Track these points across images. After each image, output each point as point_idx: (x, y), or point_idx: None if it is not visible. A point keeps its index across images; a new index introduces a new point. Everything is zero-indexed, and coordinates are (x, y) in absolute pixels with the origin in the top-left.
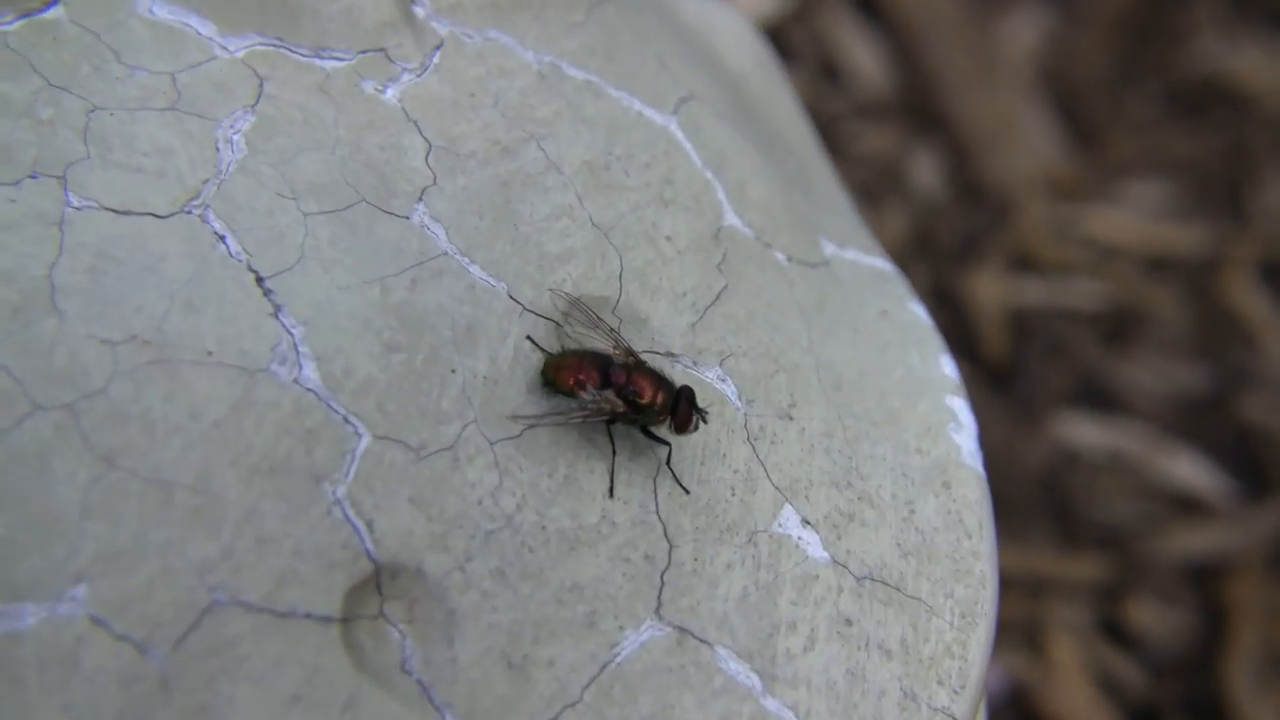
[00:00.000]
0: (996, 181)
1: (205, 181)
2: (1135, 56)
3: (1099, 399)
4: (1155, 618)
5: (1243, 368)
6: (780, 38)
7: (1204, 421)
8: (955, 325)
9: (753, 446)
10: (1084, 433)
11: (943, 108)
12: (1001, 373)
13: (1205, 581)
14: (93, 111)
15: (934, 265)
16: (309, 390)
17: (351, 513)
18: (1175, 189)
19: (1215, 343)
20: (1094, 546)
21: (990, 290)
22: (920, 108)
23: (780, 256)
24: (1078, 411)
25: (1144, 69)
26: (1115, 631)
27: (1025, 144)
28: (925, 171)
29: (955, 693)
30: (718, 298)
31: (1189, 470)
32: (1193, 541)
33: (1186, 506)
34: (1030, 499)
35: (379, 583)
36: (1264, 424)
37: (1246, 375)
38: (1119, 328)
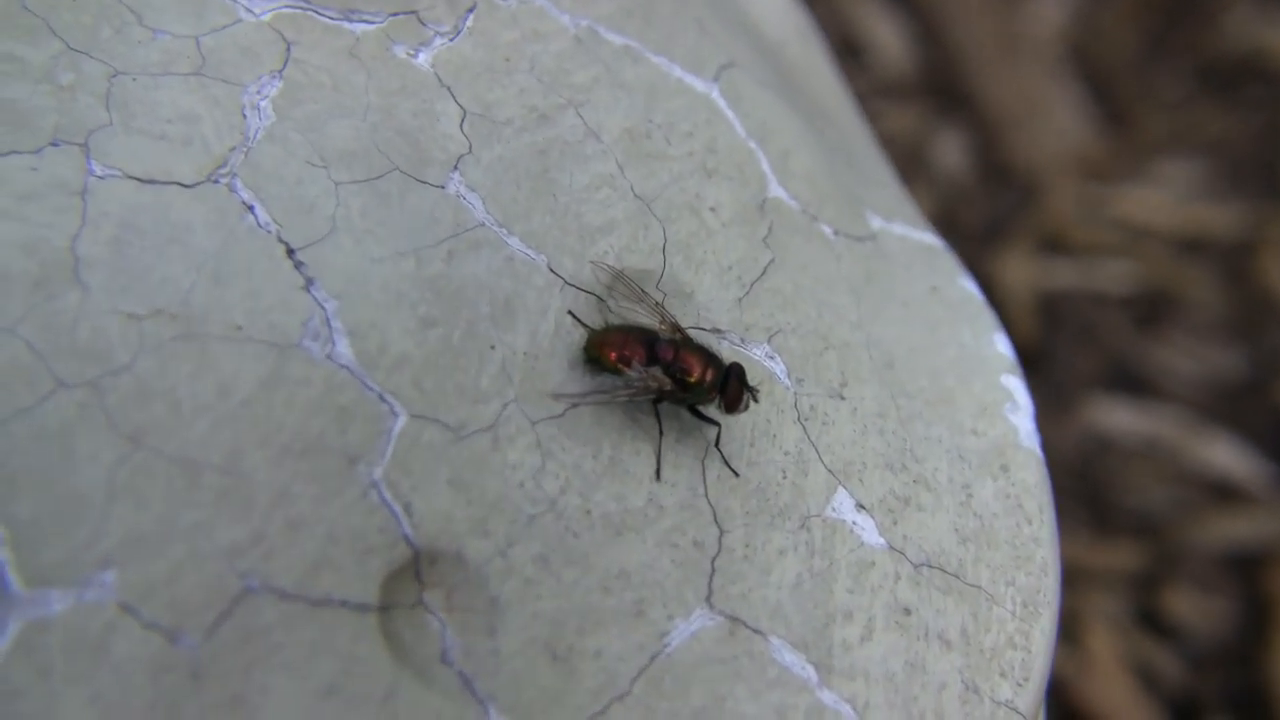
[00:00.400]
0: (1024, 162)
1: (232, 149)
2: (1165, 32)
3: (1132, 384)
4: (1193, 607)
5: (1279, 350)
6: None
7: (1240, 406)
8: None
9: (804, 427)
10: (1117, 418)
11: (968, 86)
12: (1031, 357)
13: (1244, 570)
14: (115, 76)
15: (961, 247)
16: (342, 367)
17: (388, 495)
18: (1208, 168)
19: (1251, 325)
20: (1129, 535)
21: (1019, 273)
22: (945, 87)
23: (827, 230)
24: (1110, 396)
25: (1174, 45)
26: (1152, 622)
27: (1053, 123)
28: (951, 152)
29: (1019, 685)
30: (764, 272)
31: (1226, 456)
32: (1231, 529)
33: (1224, 493)
34: (1063, 486)
35: (417, 569)
36: None
37: None
38: (1152, 310)
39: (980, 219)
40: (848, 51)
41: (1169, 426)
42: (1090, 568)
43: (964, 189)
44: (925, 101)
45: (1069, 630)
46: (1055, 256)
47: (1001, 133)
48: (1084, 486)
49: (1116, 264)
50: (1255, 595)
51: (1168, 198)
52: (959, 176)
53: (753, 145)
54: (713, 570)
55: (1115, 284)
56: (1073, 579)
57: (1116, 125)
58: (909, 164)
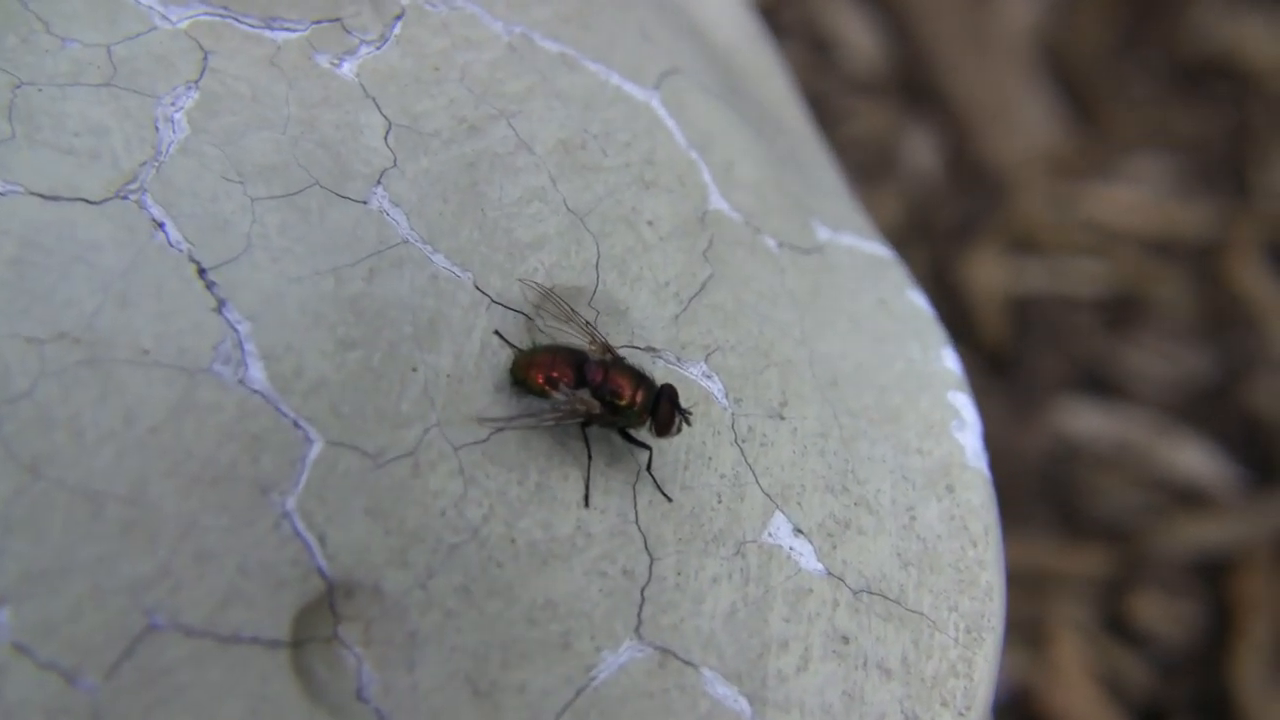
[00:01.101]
0: (994, 160)
1: (143, 164)
2: (1136, 30)
3: (1101, 386)
4: (1161, 613)
5: (1249, 352)
6: (770, 11)
7: (1210, 409)
8: (952, 310)
9: (741, 449)
10: (1085, 421)
11: (938, 84)
12: (1000, 359)
13: (1212, 575)
14: (19, 87)
15: (929, 248)
16: (255, 392)
17: (302, 526)
18: (1178, 166)
19: (1221, 327)
20: (1096, 540)
21: (988, 274)
22: (915, 84)
23: (770, 242)
24: (1079, 399)
25: (1145, 43)
26: (1119, 628)
27: (1023, 121)
28: (920, 150)
29: (961, 715)
30: (703, 287)
31: (1194, 459)
32: (1199, 533)
33: (1192, 497)
34: (1030, 490)
35: (332, 602)
36: (1271, 411)
37: (1253, 360)
38: (1121, 312)
39: (950, 218)
40: (817, 48)
41: (1137, 430)
42: (1057, 573)
43: (934, 188)
44: (895, 99)
45: (1035, 637)
46: (1025, 257)
47: (972, 131)
48: (1052, 491)
49: (1086, 264)
50: (1222, 601)
51: (1137, 197)
52: (929, 175)
53: (694, 155)
54: (643, 600)
55: (1085, 285)
56: (1039, 585)
57: (1086, 123)
58: (878, 163)
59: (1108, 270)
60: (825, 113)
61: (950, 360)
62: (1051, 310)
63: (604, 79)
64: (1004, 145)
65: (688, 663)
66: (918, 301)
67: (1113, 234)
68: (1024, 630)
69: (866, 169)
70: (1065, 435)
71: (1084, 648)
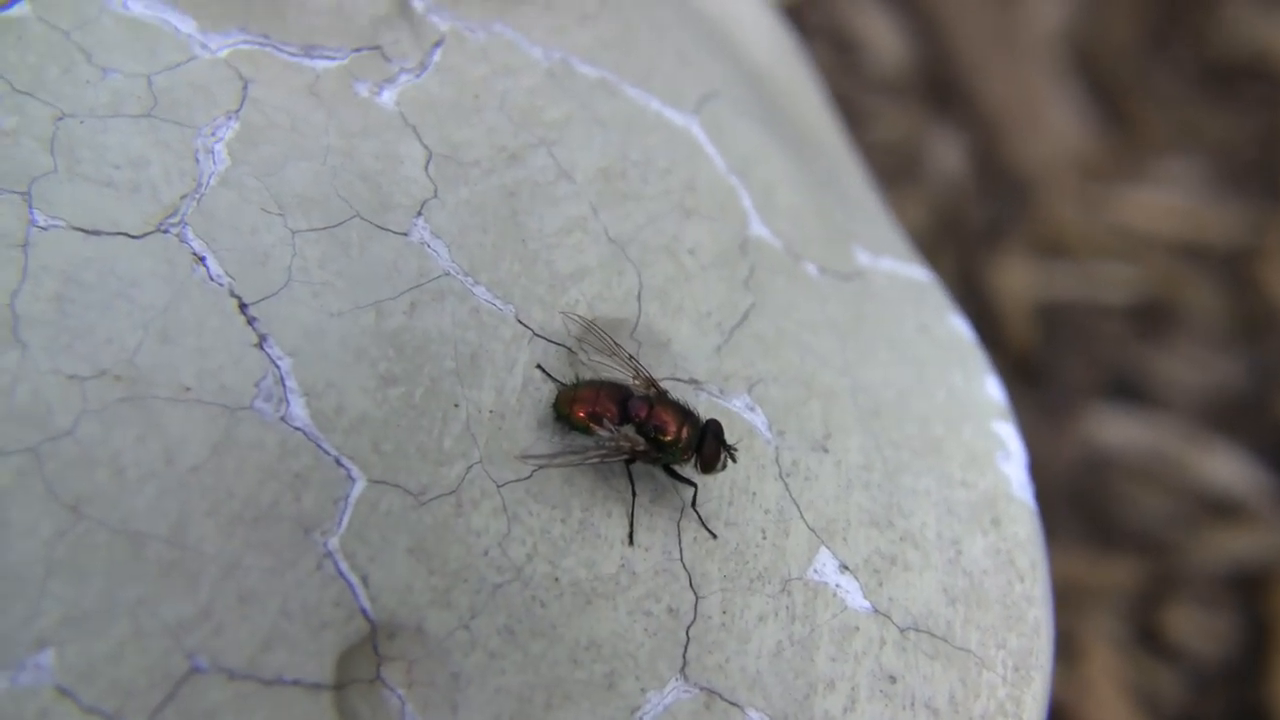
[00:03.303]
0: (1022, 163)
1: (184, 197)
2: (1166, 30)
3: (1132, 394)
4: (1195, 627)
5: None
6: (794, 13)
7: (1243, 417)
8: (979, 316)
9: (785, 483)
10: (1116, 430)
11: (965, 85)
12: (1028, 367)
13: (1247, 587)
14: (60, 119)
15: (956, 253)
16: (297, 429)
17: (344, 566)
18: (1209, 169)
19: (1253, 333)
20: (1129, 551)
21: (1016, 279)
22: (941, 86)
23: (811, 269)
24: (1109, 407)
25: (1176, 44)
26: (1153, 642)
27: (1052, 123)
28: (947, 154)
29: None
30: (745, 317)
31: (1228, 469)
32: (1233, 544)
33: (1226, 507)
34: (1060, 501)
35: (375, 644)
36: None
37: None
38: (1152, 318)
39: (978, 222)
40: (842, 49)
41: (1169, 438)
42: (1089, 586)
43: (961, 191)
44: (922, 100)
45: (1067, 651)
46: (1054, 262)
47: (999, 133)
48: (1083, 501)
49: (1116, 269)
50: (1258, 614)
51: (1168, 200)
52: (956, 178)
53: (734, 181)
54: (688, 639)
55: (1115, 290)
56: (1072, 597)
57: (1116, 125)
58: (904, 167)
59: (1138, 275)
60: (850, 115)
61: (993, 388)
62: (1081, 316)
63: (643, 105)
64: (1032, 148)
65: (733, 704)
66: (959, 327)
67: (1143, 238)
68: (1056, 644)
69: (892, 172)
70: (1096, 444)
71: (1117, 662)
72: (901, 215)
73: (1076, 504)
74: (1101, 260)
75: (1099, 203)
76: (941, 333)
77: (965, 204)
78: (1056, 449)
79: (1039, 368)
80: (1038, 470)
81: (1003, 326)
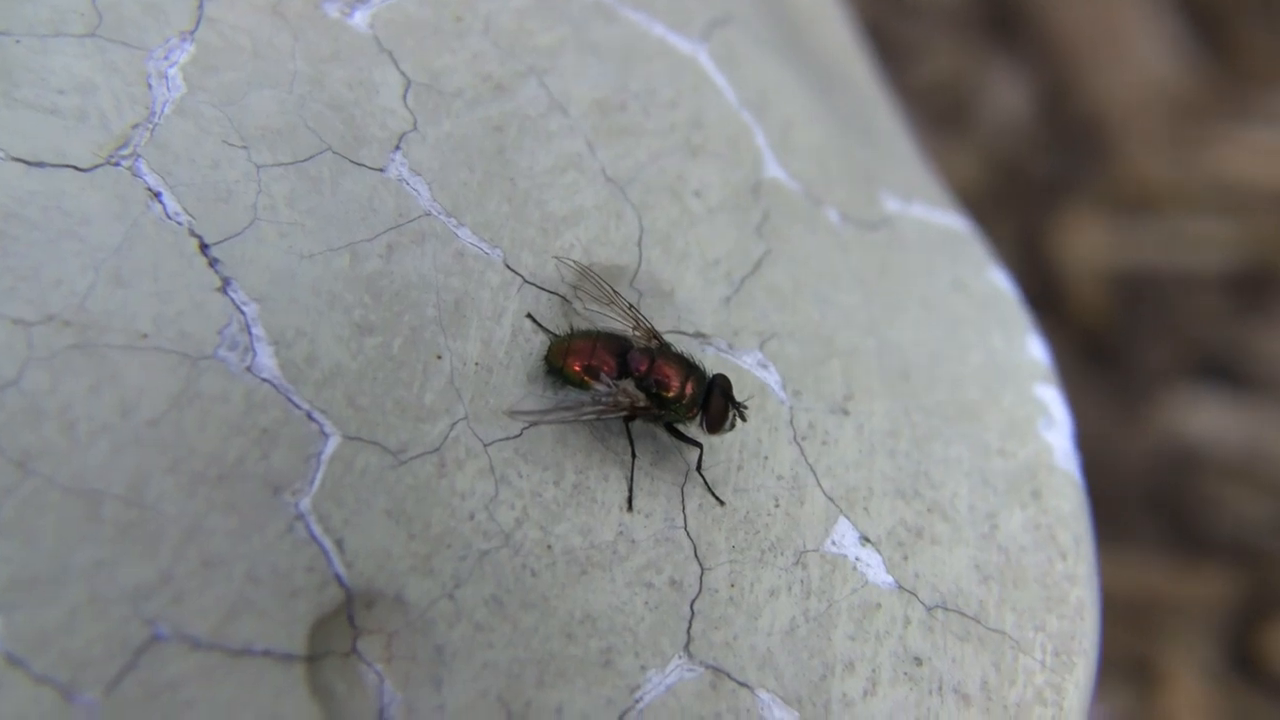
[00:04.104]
0: (1098, 104)
1: (135, 126)
2: None
3: (1226, 376)
4: None
5: None
6: None
7: None
8: (1042, 285)
9: (800, 447)
10: (1206, 418)
11: (1030, 12)
12: (1099, 343)
13: None
14: None
15: (1016, 211)
16: (264, 381)
17: (317, 529)
18: None
19: None
20: (1219, 560)
21: (1088, 241)
22: (1003, 13)
23: (833, 215)
24: (1198, 392)
25: None
26: (1248, 667)
27: (1136, 54)
28: (1009, 93)
29: None
30: (757, 266)
31: None
32: None
33: None
34: (1135, 500)
35: (351, 613)
36: None
37: None
38: (1253, 286)
39: (1043, 175)
40: None
41: (1271, 429)
42: (1170, 600)
43: (1023, 138)
44: (979, 32)
45: (1143, 677)
46: (1135, 221)
47: (1072, 68)
48: (1162, 501)
49: (1212, 228)
50: None
51: (1277, 143)
52: (1017, 123)
53: (747, 116)
54: (692, 614)
55: (1209, 254)
56: (1148, 613)
57: (1215, 54)
58: (956, 110)
59: (1238, 235)
60: (892, 50)
61: (1036, 349)
62: (1165, 284)
63: (645, 29)
64: (1112, 85)
65: (742, 684)
66: (999, 282)
67: (1247, 190)
68: (1129, 668)
69: (941, 118)
70: (1179, 435)
71: (1205, 691)
72: (951, 168)
73: (1155, 504)
74: (1193, 217)
75: (1192, 148)
76: (979, 288)
77: (1029, 153)
78: (1131, 439)
79: (1112, 344)
80: (1109, 464)
81: (1070, 297)
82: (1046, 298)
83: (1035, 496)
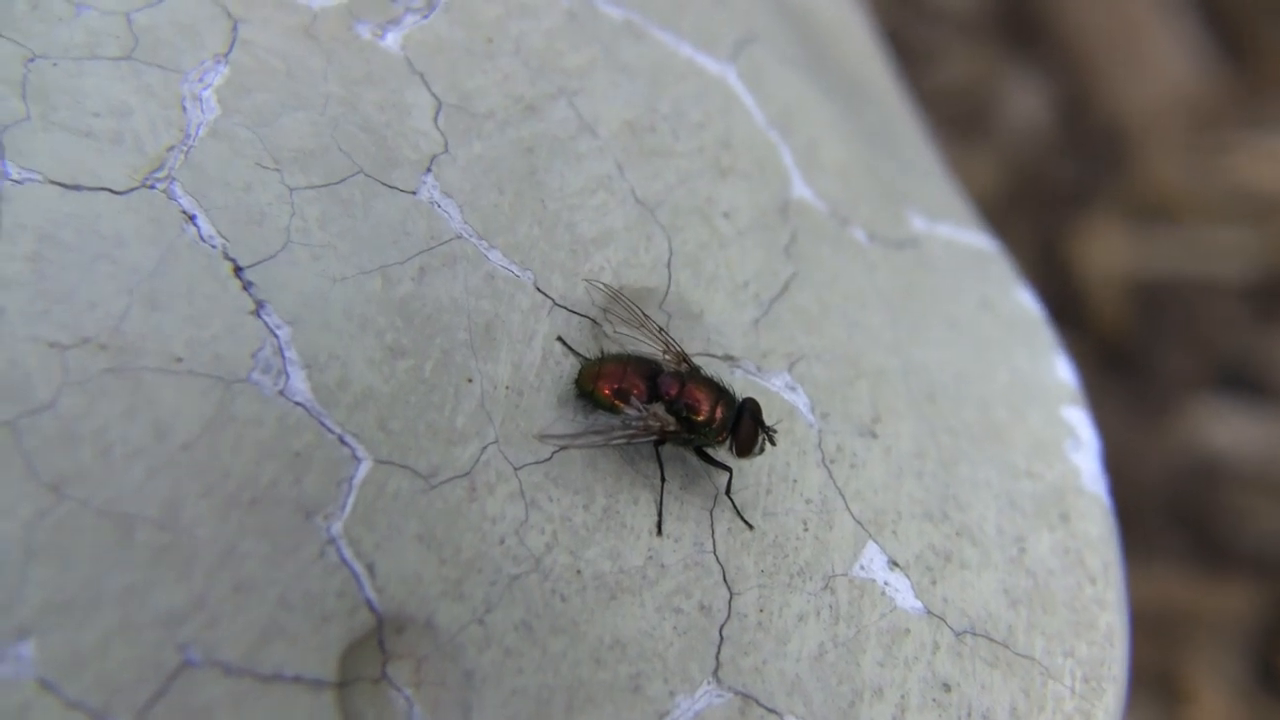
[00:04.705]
0: (1118, 110)
1: (170, 149)
2: None
3: (1247, 386)
4: None
5: None
6: None
7: None
8: (1061, 294)
9: (829, 470)
10: (1228, 429)
11: (1050, 17)
12: (1120, 353)
13: None
14: (31, 61)
15: (1035, 219)
16: (297, 404)
17: (348, 553)
18: None
19: None
20: (1244, 574)
21: (1108, 249)
22: (1021, 18)
23: (860, 235)
24: (1220, 402)
25: None
26: (1273, 679)
27: (1157, 59)
28: (1027, 99)
29: None
30: (785, 288)
31: None
32: None
33: None
34: (1157, 512)
35: (381, 638)
36: None
37: None
38: (1274, 295)
39: (1062, 183)
40: None
41: None
42: (1195, 614)
43: (1043, 145)
44: (998, 38)
45: (1169, 692)
46: (1154, 228)
47: (1090, 74)
48: (1185, 512)
49: (1231, 236)
50: None
51: None
52: (1036, 129)
53: (774, 136)
54: (721, 639)
55: (1230, 262)
56: (1172, 628)
57: (1236, 60)
58: (974, 116)
59: (1259, 244)
60: (909, 54)
61: (1063, 370)
62: (1186, 293)
63: (673, 49)
64: (1131, 91)
65: (771, 710)
66: (1026, 302)
67: (1267, 198)
68: (1154, 684)
69: (959, 124)
70: (1202, 445)
71: (1231, 706)
72: (968, 175)
73: (1177, 516)
74: (1214, 226)
75: (1213, 156)
76: (1006, 308)
77: (1048, 160)
78: (1152, 450)
79: (1133, 354)
80: (1129, 475)
81: (1089, 305)
82: (1066, 306)
83: (1063, 520)
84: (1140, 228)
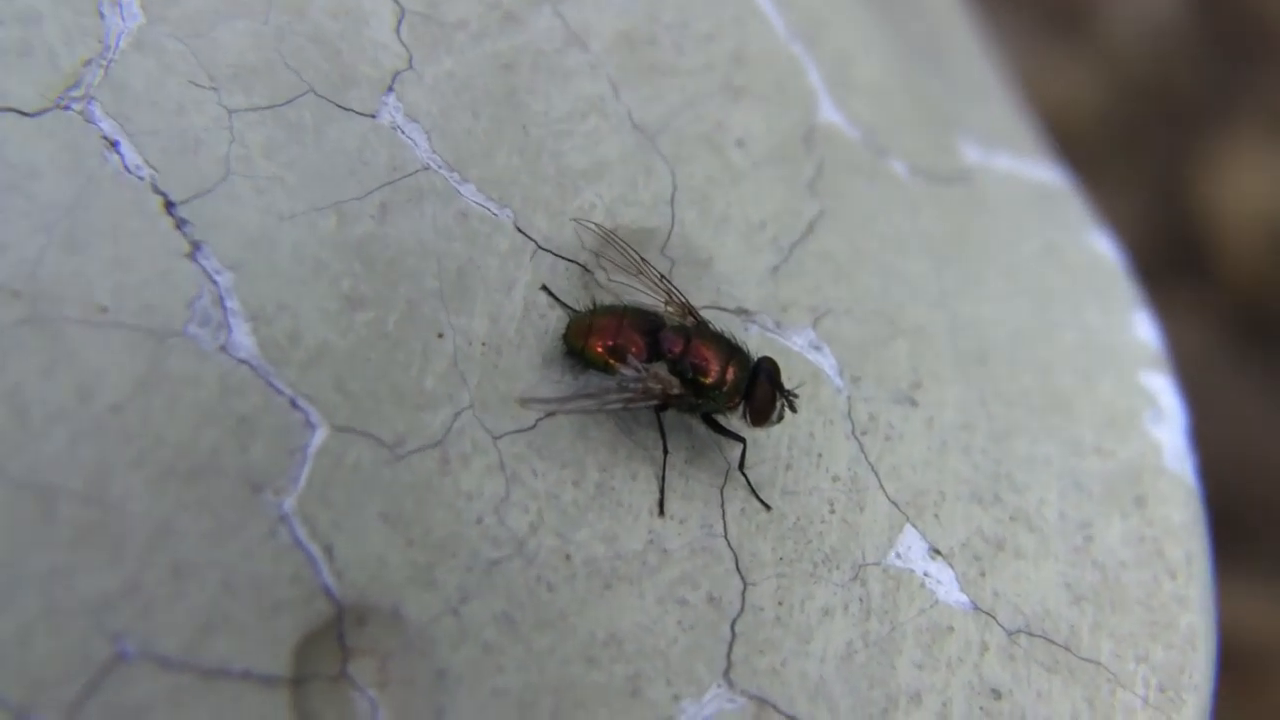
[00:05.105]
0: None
1: (87, 63)
2: None
3: None
4: None
5: None
6: None
7: None
8: (1184, 238)
9: (860, 443)
10: None
11: None
12: (1261, 314)
13: None
14: None
15: (1151, 142)
16: (241, 362)
17: (303, 533)
18: None
19: None
20: None
21: (1247, 180)
22: None
23: (899, 168)
24: None
25: None
26: None
27: None
28: None
29: None
30: (809, 230)
31: None
32: None
33: None
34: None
35: (341, 631)
36: None
37: None
38: None
39: (1189, 94)
40: None
41: None
42: None
43: (1166, 45)
44: None
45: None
46: None
47: None
48: None
49: None
50: None
51: None
52: (1156, 23)
53: (797, 49)
54: (733, 636)
55: None
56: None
57: None
58: (1076, 11)
59: None
60: None
61: (1144, 328)
62: None
63: None
64: None
65: (791, 718)
66: (1101, 247)
67: None
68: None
69: (1052, 21)
70: None
71: None
72: (1060, 89)
73: None
74: None
75: None
76: (1075, 254)
77: (1171, 65)
78: None
79: (1272, 312)
80: (1257, 466)
81: (1223, 253)
82: (1190, 256)
83: (1139, 504)
84: None
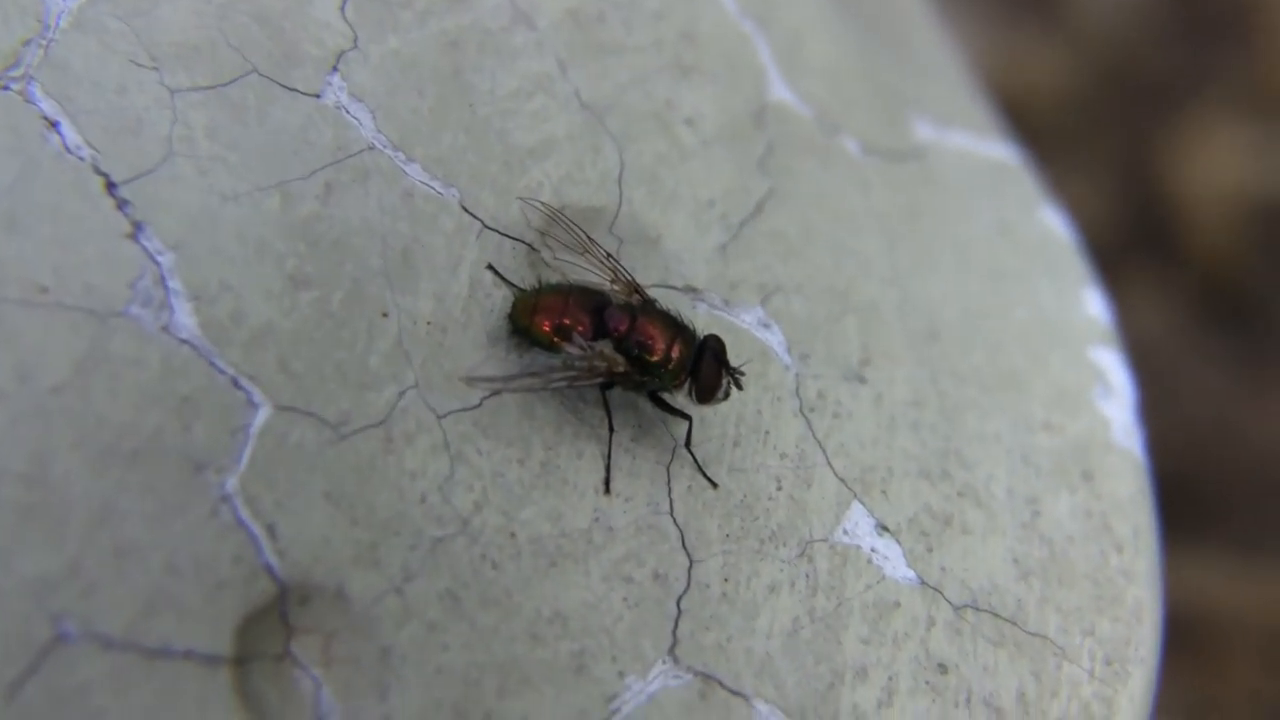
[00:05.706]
0: None
1: (27, 43)
2: None
3: None
4: None
5: None
6: None
7: None
8: (1152, 215)
9: (808, 420)
10: None
11: None
12: (1228, 293)
13: None
14: None
15: (1119, 121)
16: (183, 342)
17: (245, 513)
18: None
19: None
20: None
21: (1216, 160)
22: None
23: (851, 145)
24: None
25: None
26: None
27: None
28: None
29: None
30: (759, 208)
31: None
32: None
33: None
34: (1257, 496)
35: (284, 610)
36: None
37: None
38: None
39: (1158, 73)
40: None
41: None
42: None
43: (1135, 25)
44: None
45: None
46: (1277, 131)
47: None
48: None
49: None
50: None
51: None
52: (1127, 5)
53: (748, 27)
54: (679, 612)
55: None
56: (1260, 638)
57: None
58: None
59: None
60: None
61: (1095, 305)
62: None
63: None
64: None
65: (737, 693)
66: (1053, 224)
67: None
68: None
69: (1023, 1)
70: None
71: None
72: (1030, 67)
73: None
74: None
75: None
76: (1028, 231)
77: (1140, 45)
78: (1259, 419)
79: (1246, 295)
80: (1227, 448)
81: (1190, 231)
82: (1158, 235)
83: (1087, 479)
84: (1263, 132)
